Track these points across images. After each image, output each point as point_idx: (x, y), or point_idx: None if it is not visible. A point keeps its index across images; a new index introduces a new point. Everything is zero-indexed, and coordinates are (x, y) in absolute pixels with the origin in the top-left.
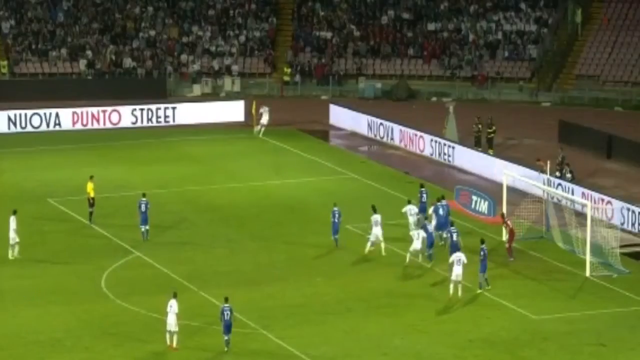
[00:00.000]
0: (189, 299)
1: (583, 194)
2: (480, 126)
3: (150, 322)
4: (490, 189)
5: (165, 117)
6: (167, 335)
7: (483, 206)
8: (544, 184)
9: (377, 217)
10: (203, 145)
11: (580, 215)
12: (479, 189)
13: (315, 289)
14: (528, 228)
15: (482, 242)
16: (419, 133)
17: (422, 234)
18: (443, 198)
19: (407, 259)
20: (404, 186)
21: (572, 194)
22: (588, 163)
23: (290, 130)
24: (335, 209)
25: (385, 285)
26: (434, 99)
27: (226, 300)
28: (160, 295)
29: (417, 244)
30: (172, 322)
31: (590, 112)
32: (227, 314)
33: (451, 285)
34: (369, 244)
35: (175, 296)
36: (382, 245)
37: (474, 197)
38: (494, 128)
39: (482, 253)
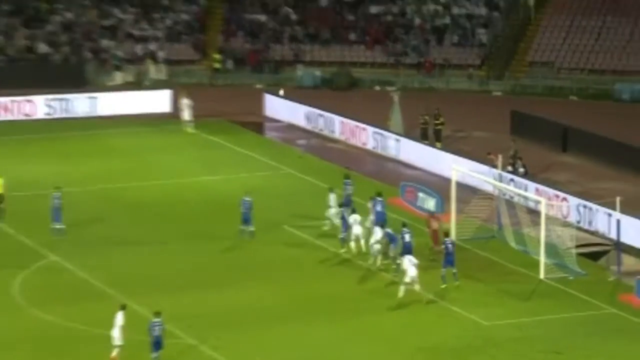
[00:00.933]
0: (110, 308)
1: (537, 190)
2: (427, 117)
3: (69, 333)
4: (438, 185)
5: (84, 107)
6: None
7: (430, 203)
8: (495, 179)
9: (356, 216)
10: (126, 138)
11: (534, 213)
12: (426, 185)
13: (251, 294)
14: (478, 227)
15: (447, 235)
16: (361, 125)
17: (379, 233)
18: (380, 195)
19: (353, 248)
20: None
21: (525, 190)
22: (542, 156)
23: (221, 122)
24: (246, 198)
25: (328, 289)
26: (378, 88)
27: (157, 314)
28: (79, 303)
29: (356, 229)
30: (117, 336)
31: (544, 101)
32: (157, 330)
33: (402, 287)
34: (352, 245)
35: (123, 308)
36: (362, 242)
37: (421, 194)
38: (441, 119)
39: (444, 247)
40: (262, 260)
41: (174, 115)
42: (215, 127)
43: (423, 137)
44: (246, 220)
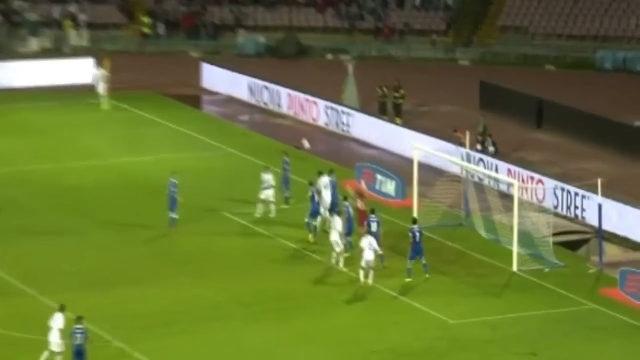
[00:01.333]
0: (24, 306)
1: (509, 171)
2: (385, 90)
3: None
4: (398, 166)
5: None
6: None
7: (389, 187)
8: (462, 159)
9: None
10: (42, 113)
11: (506, 198)
12: (385, 166)
13: (185, 291)
14: (444, 213)
15: (414, 221)
16: (311, 98)
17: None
18: (332, 172)
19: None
20: (295, 163)
21: (496, 171)
22: (515, 133)
23: (151, 94)
24: (172, 179)
25: (274, 285)
26: (330, 56)
27: (79, 319)
28: None
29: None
30: (55, 341)
31: (517, 71)
32: (79, 338)
33: (361, 272)
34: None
35: (62, 310)
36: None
37: (379, 176)
38: (402, 92)
39: (411, 235)
40: (198, 252)
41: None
42: (145, 100)
43: (381, 111)
44: (170, 206)
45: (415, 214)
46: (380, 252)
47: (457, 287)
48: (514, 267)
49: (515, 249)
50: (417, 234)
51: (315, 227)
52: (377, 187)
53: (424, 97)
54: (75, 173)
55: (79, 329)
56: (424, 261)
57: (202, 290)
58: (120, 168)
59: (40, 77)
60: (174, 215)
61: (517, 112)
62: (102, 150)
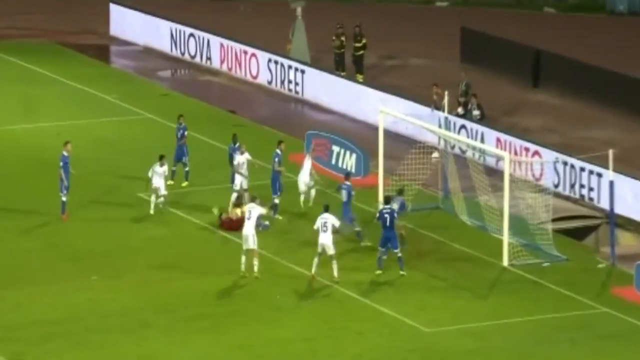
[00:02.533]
0: None
1: (498, 140)
2: (343, 38)
3: None
4: (359, 135)
5: None
6: None
7: (348, 161)
8: (439, 126)
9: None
10: None
11: (495, 174)
12: (342, 135)
13: (89, 294)
14: (416, 194)
15: (387, 201)
16: (250, 50)
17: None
18: (281, 144)
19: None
20: (229, 131)
21: (482, 141)
22: (505, 94)
23: (46, 44)
24: (64, 153)
25: (203, 286)
26: None
27: None
28: None
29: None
30: None
31: (509, 15)
32: None
33: (315, 260)
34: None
35: None
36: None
37: (335, 148)
38: (363, 41)
39: (380, 219)
40: (107, 245)
41: None
42: (38, 51)
43: (338, 66)
44: (61, 186)
45: (380, 195)
46: (357, 228)
47: (433, 287)
48: (505, 262)
49: (505, 238)
50: (388, 217)
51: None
52: (332, 161)
53: (392, 48)
54: None
55: None
56: (399, 253)
57: (112, 293)
58: (8, 138)
59: None
60: (63, 198)
61: (509, 66)
62: None
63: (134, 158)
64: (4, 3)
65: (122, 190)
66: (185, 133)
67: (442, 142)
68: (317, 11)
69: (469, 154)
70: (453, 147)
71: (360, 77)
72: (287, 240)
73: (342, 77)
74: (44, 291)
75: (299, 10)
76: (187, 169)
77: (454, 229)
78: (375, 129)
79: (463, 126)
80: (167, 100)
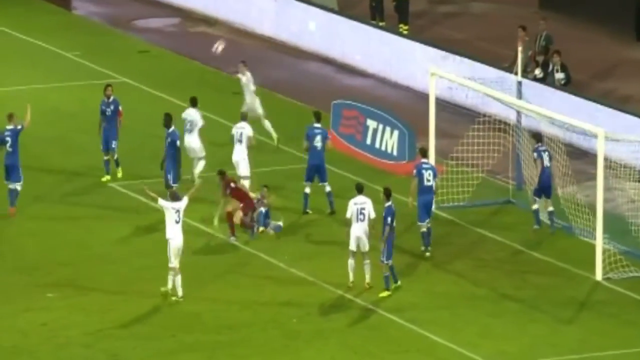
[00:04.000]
0: None
1: (588, 112)
2: None
3: None
4: (402, 106)
5: None
6: None
7: (389, 140)
8: (511, 93)
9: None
10: None
11: (585, 158)
12: (380, 105)
13: (43, 316)
14: (481, 184)
15: (387, 194)
16: None
17: None
18: (319, 116)
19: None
20: (229, 101)
21: (568, 114)
22: (597, 50)
23: None
24: (9, 127)
25: (199, 307)
26: None
27: None
28: None
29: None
30: None
31: None
32: None
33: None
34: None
35: None
36: None
37: (370, 123)
38: None
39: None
40: (70, 251)
41: None
42: None
43: (375, 14)
44: (8, 170)
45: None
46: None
47: (503, 308)
48: (598, 275)
49: (599, 243)
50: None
51: None
52: (366, 140)
53: None
54: None
55: None
56: (385, 261)
57: (74, 315)
58: None
59: None
60: (15, 187)
61: (602, 15)
62: None
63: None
64: None
65: (90, 175)
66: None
67: (516, 116)
68: None
69: (550, 131)
70: (527, 124)
71: (404, 28)
72: (304, 242)
73: (381, 29)
74: None
75: None
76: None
77: (529, 231)
78: (423, 96)
79: (542, 94)
80: (147, 59)
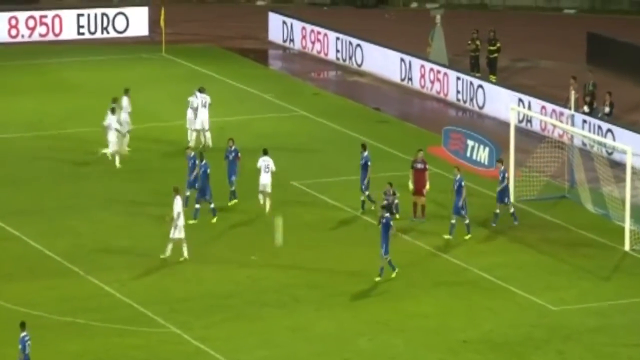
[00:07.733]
0: (72, 287)
1: (619, 136)
2: (478, 43)
3: (20, 317)
4: (492, 131)
5: (38, 27)
6: None
7: (482, 154)
8: (567, 122)
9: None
10: (88, 69)
11: (618, 167)
12: (477, 130)
13: (248, 271)
14: (545, 184)
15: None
16: (393, 53)
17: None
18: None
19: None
20: (374, 127)
21: (608, 136)
22: (628, 93)
23: (212, 48)
24: (191, 154)
25: (345, 268)
26: (415, 4)
27: (23, 326)
28: (33, 281)
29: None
30: None
31: (633, 20)
32: (28, 346)
33: (260, 196)
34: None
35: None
36: (267, 202)
37: (470, 142)
38: (497, 45)
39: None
40: (266, 229)
41: (154, 40)
42: (204, 54)
43: (473, 67)
44: (200, 191)
45: (511, 186)
46: (511, 209)
47: (560, 269)
48: (626, 247)
49: (627, 225)
50: (385, 221)
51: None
52: (467, 154)
53: (523, 52)
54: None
55: (26, 336)
56: (384, 255)
57: (268, 270)
58: (175, 132)
59: (83, 29)
60: (198, 206)
61: (632, 68)
62: (155, 111)
63: (287, 149)
64: (171, 12)
65: (278, 180)
66: (239, 155)
67: (570, 138)
68: (454, 18)
69: (595, 148)
70: (581, 144)
71: (493, 78)
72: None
73: (477, 77)
74: (206, 268)
75: (438, 18)
76: (233, 188)
77: (579, 217)
78: (506, 125)
79: (586, 122)
80: (318, 99)
